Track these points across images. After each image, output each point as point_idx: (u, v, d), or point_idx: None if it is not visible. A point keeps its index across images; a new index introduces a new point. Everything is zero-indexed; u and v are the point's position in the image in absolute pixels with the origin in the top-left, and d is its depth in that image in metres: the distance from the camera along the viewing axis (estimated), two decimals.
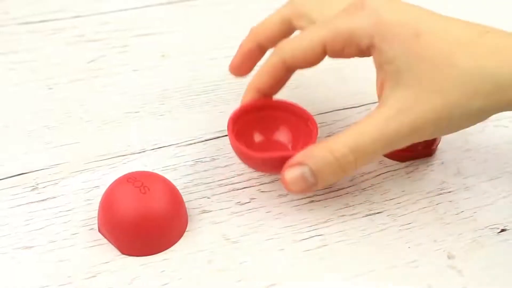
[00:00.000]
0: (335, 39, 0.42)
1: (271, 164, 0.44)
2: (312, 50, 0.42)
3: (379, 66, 0.41)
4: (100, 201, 0.43)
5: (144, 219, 0.41)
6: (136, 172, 0.44)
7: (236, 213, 0.45)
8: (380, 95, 0.41)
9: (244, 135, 0.46)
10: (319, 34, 0.42)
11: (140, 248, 0.42)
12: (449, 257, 0.43)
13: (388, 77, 0.40)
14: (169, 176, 0.46)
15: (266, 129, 0.48)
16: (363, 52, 0.42)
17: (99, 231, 0.43)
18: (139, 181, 0.42)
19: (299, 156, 0.41)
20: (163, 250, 0.42)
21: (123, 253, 0.42)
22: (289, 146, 0.47)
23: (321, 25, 0.43)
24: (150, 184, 0.42)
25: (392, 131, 0.39)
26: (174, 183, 0.45)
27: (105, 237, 0.43)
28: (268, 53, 0.47)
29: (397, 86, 0.39)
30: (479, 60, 0.38)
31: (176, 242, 0.43)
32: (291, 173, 0.41)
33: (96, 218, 0.44)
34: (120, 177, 0.43)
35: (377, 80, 0.42)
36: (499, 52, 0.38)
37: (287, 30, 0.48)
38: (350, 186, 0.47)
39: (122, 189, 0.42)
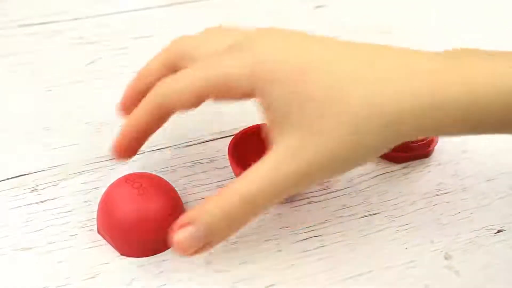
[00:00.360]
0: (210, 85, 0.38)
1: None
2: (189, 95, 0.38)
3: (265, 109, 0.37)
4: (99, 202, 0.44)
5: (141, 221, 0.41)
6: (135, 173, 0.44)
7: None
8: (269, 139, 0.38)
9: (244, 159, 0.46)
10: (193, 80, 0.38)
11: (138, 249, 0.42)
12: (446, 258, 0.43)
13: (274, 121, 0.36)
14: (168, 177, 0.46)
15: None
16: (248, 95, 0.37)
17: (98, 232, 0.44)
18: (137, 182, 0.42)
19: (189, 214, 0.37)
20: (162, 252, 0.43)
21: (121, 254, 0.42)
22: None
23: (198, 68, 0.39)
24: (149, 185, 0.42)
25: (281, 178, 0.35)
26: (173, 184, 0.45)
27: (104, 238, 0.43)
28: None
29: (284, 129, 0.36)
30: (370, 95, 0.34)
31: None
32: (181, 234, 0.37)
33: (95, 219, 0.44)
34: (119, 178, 0.44)
35: (265, 122, 0.38)
36: (392, 82, 0.35)
37: (170, 73, 0.41)
38: (348, 187, 0.48)
39: (120, 190, 0.42)
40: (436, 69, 0.35)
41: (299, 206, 0.46)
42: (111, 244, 0.43)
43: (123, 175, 0.44)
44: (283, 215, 0.45)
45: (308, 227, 0.45)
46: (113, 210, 0.42)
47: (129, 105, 0.44)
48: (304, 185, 0.37)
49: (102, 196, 0.44)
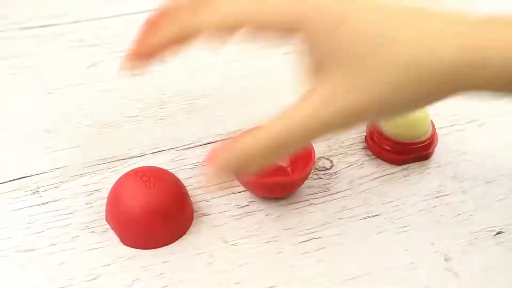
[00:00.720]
0: (252, 10, 0.36)
1: (269, 188, 0.45)
2: (227, 17, 0.36)
3: (310, 47, 0.36)
4: (109, 192, 0.44)
5: (148, 212, 0.42)
6: (145, 167, 0.45)
7: (235, 216, 0.46)
8: (308, 80, 0.36)
9: None
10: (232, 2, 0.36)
11: (145, 241, 0.43)
12: (446, 260, 0.43)
13: (319, 59, 0.35)
14: None
15: None
16: (290, 30, 0.36)
17: (106, 220, 0.44)
18: (146, 176, 0.43)
19: (225, 145, 0.36)
20: (168, 244, 0.43)
21: (127, 245, 0.43)
22: (289, 170, 0.48)
23: None
24: (157, 179, 0.43)
25: (330, 115, 0.35)
26: None
27: (111, 228, 0.44)
28: None
29: (330, 68, 0.35)
30: (423, 40, 0.34)
31: (181, 236, 0.44)
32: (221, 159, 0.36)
33: (97, 221, 0.44)
34: (129, 171, 0.44)
35: (303, 63, 0.37)
36: (438, 36, 0.34)
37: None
38: (348, 189, 0.48)
39: (129, 182, 0.43)
40: (482, 29, 0.35)
41: (299, 208, 0.46)
42: (117, 234, 0.43)
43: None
44: (283, 217, 0.46)
45: (308, 229, 0.45)
46: (120, 201, 0.43)
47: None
48: (350, 124, 0.36)
49: (112, 186, 0.44)
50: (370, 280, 0.42)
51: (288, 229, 0.45)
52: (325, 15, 0.35)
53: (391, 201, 0.47)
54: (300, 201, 0.47)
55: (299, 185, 0.47)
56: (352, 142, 0.52)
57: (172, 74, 0.59)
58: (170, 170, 0.49)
